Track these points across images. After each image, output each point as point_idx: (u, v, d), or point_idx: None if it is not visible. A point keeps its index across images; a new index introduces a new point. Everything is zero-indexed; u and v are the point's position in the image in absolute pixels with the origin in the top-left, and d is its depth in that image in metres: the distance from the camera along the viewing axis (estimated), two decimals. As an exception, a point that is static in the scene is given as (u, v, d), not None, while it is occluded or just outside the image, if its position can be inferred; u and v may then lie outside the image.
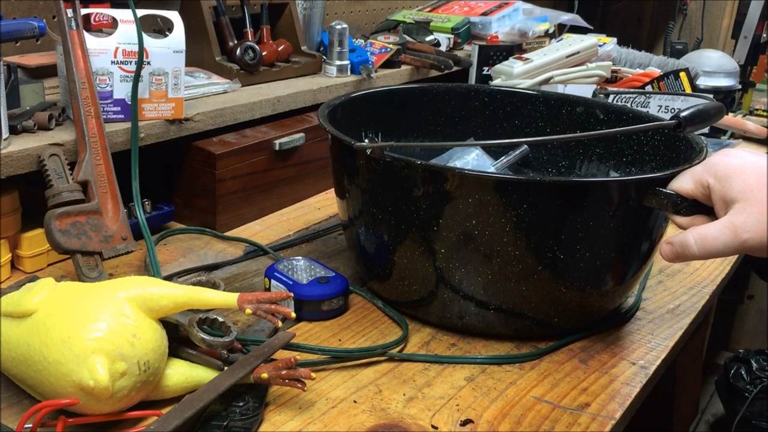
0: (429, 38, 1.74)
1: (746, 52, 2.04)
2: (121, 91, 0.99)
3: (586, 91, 1.49)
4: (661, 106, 1.48)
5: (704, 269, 1.06)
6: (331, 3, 1.72)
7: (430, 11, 1.93)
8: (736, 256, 1.09)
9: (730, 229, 0.68)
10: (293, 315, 0.72)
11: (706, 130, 1.58)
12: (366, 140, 0.76)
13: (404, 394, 0.73)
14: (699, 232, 0.70)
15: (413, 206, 0.78)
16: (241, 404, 0.67)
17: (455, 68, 1.61)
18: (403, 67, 1.57)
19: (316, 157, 1.24)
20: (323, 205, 1.23)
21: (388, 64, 1.53)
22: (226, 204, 1.09)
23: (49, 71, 1.07)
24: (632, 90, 1.56)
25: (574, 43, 1.67)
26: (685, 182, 0.73)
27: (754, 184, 0.67)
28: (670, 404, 1.52)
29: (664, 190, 0.74)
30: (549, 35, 1.91)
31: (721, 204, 0.70)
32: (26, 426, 0.62)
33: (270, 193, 1.17)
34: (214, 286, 0.77)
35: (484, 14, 1.89)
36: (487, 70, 1.67)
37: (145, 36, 0.98)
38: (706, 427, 2.19)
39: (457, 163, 1.09)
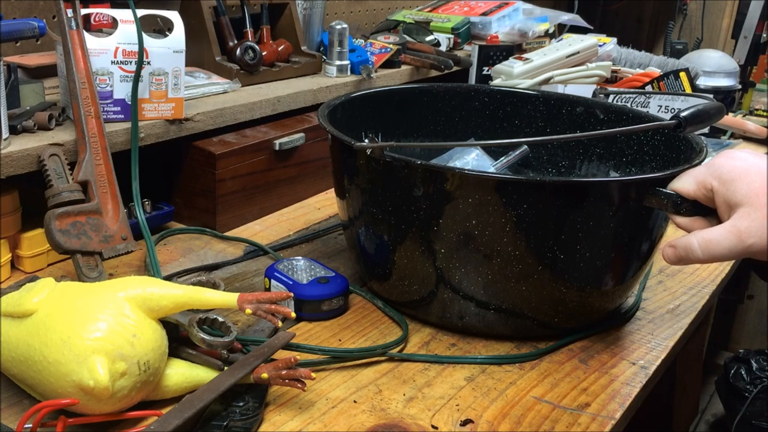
0: (429, 38, 1.74)
1: (746, 52, 2.04)
2: (121, 91, 0.99)
3: (586, 91, 1.49)
4: (661, 106, 1.48)
5: (704, 269, 1.06)
6: (331, 3, 1.72)
7: (430, 11, 1.93)
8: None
9: (734, 234, 0.67)
10: (293, 315, 0.72)
11: (706, 130, 1.59)
12: (366, 140, 0.76)
13: (404, 394, 0.73)
14: (703, 236, 0.69)
15: (413, 206, 0.78)
16: (241, 404, 0.67)
17: (455, 68, 1.61)
18: (403, 67, 1.57)
19: (316, 157, 1.24)
20: (323, 205, 1.23)
21: (388, 64, 1.53)
22: (226, 204, 1.09)
23: (49, 71, 1.07)
24: (632, 90, 1.56)
25: (574, 43, 1.67)
26: (687, 183, 0.73)
27: (759, 188, 0.67)
28: (670, 404, 1.52)
29: (664, 190, 0.74)
30: (549, 35, 1.91)
31: (725, 207, 0.69)
32: (26, 426, 0.62)
33: (270, 193, 1.17)
34: (214, 286, 0.77)
35: (484, 14, 1.89)
36: (487, 70, 1.67)
37: (145, 36, 0.98)
38: (706, 427, 2.19)
39: (457, 163, 1.09)
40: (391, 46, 1.55)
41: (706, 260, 0.70)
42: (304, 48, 1.40)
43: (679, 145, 0.91)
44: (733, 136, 1.72)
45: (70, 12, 0.93)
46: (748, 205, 0.67)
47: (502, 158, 1.10)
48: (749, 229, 0.66)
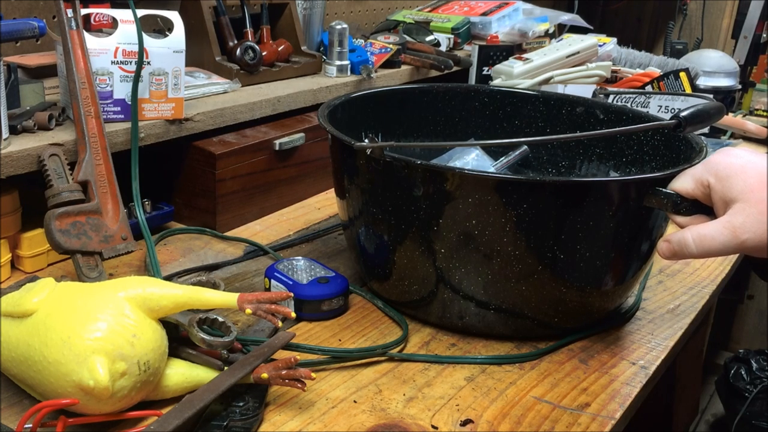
0: (429, 38, 1.74)
1: (746, 52, 2.04)
2: (121, 91, 0.99)
3: (586, 91, 1.49)
4: (661, 106, 1.48)
5: (704, 269, 1.06)
6: (331, 3, 1.72)
7: (430, 11, 1.93)
8: (736, 256, 1.09)
9: (729, 229, 0.68)
10: (293, 315, 0.72)
11: (706, 130, 1.59)
12: (366, 140, 0.76)
13: (404, 394, 0.73)
14: (698, 231, 0.70)
15: (413, 206, 0.78)
16: (241, 404, 0.67)
17: (455, 68, 1.61)
18: (403, 67, 1.57)
19: (316, 157, 1.24)
20: (323, 205, 1.23)
21: (388, 64, 1.53)
22: (226, 204, 1.09)
23: (49, 71, 1.07)
24: (632, 90, 1.56)
25: (574, 43, 1.67)
26: (685, 182, 0.73)
27: (754, 185, 0.67)
28: (670, 404, 1.52)
29: (664, 190, 0.74)
30: (549, 35, 1.91)
31: (721, 204, 0.69)
32: (26, 426, 0.62)
33: (270, 193, 1.17)
34: (214, 286, 0.77)
35: (484, 14, 1.89)
36: (487, 70, 1.67)
37: (145, 36, 0.98)
38: (706, 427, 2.19)
39: (457, 163, 1.09)
40: (391, 46, 1.55)
41: (700, 255, 0.70)
42: (304, 48, 1.40)
43: (679, 145, 0.91)
44: (733, 136, 1.72)
45: (70, 12, 0.93)
46: (743, 201, 0.67)
47: (502, 158, 1.10)
48: (744, 225, 0.67)
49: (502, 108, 1.11)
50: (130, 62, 0.98)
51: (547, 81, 1.58)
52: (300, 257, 0.94)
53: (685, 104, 1.45)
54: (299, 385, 0.68)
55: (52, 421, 0.63)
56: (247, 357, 0.70)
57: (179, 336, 0.72)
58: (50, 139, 0.92)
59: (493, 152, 1.12)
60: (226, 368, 0.70)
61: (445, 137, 1.11)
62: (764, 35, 2.05)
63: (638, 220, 0.79)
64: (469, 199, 0.75)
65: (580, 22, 2.02)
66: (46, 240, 0.85)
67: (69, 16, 0.93)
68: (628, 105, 1.39)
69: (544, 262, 0.77)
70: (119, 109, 1.00)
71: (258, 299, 0.70)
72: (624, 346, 0.85)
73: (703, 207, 0.72)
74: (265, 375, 0.68)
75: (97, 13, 1.03)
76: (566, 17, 2.01)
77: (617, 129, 1.00)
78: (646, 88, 1.60)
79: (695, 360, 1.67)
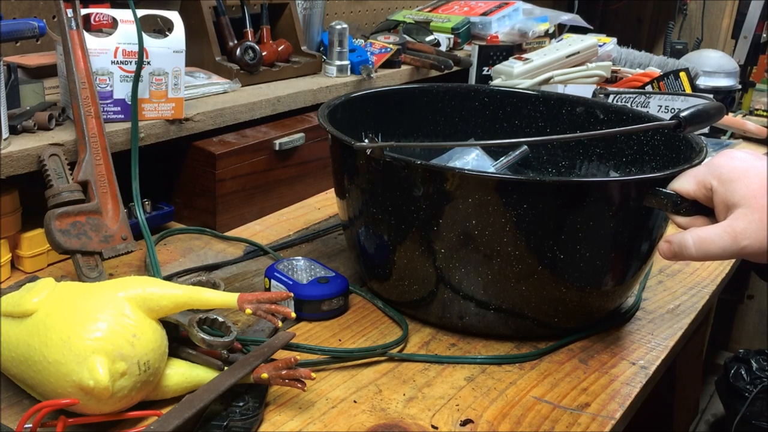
0: (429, 38, 1.74)
1: (746, 52, 2.04)
2: (121, 91, 0.99)
3: (586, 91, 1.49)
4: (661, 106, 1.48)
5: (704, 269, 1.06)
6: (331, 3, 1.72)
7: (430, 11, 1.93)
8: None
9: (729, 234, 0.67)
10: (293, 315, 0.72)
11: (706, 130, 1.59)
12: (366, 140, 0.76)
13: (404, 394, 0.73)
14: (698, 234, 0.69)
15: (413, 206, 0.78)
16: (241, 404, 0.67)
17: (455, 68, 1.61)
18: (403, 67, 1.57)
19: (316, 157, 1.24)
20: (323, 205, 1.23)
21: (388, 64, 1.53)
22: (226, 204, 1.09)
23: (49, 71, 1.07)
24: (632, 90, 1.56)
25: (574, 43, 1.67)
26: (686, 183, 0.73)
27: (757, 190, 0.67)
28: (670, 404, 1.52)
29: (664, 190, 0.74)
30: (549, 35, 1.91)
31: (723, 207, 0.69)
32: (26, 426, 0.62)
33: (270, 193, 1.17)
34: (214, 286, 0.77)
35: (484, 14, 1.89)
36: (487, 70, 1.67)
37: (145, 36, 0.98)
38: (706, 427, 2.19)
39: (457, 163, 1.09)
40: (391, 46, 1.55)
41: (700, 258, 0.70)
42: (304, 48, 1.40)
43: (679, 145, 0.91)
44: (733, 136, 1.72)
45: (70, 12, 0.93)
46: (745, 207, 0.67)
47: (502, 158, 1.10)
48: (745, 230, 0.66)
49: (502, 108, 1.11)
50: (130, 62, 0.98)
51: (547, 81, 1.58)
52: (300, 257, 0.94)
53: (685, 104, 1.45)
54: (299, 385, 0.68)
55: (52, 421, 0.63)
56: (247, 357, 0.70)
57: (179, 336, 0.72)
58: (50, 139, 0.92)
59: (493, 152, 1.12)
60: (226, 368, 0.70)
61: (445, 137, 1.11)
62: (764, 35, 2.05)
63: (638, 220, 0.79)
64: (469, 199, 0.75)
65: (580, 22, 2.02)
66: (46, 240, 0.85)
67: (69, 16, 0.93)
68: (628, 105, 1.39)
69: (544, 262, 0.77)
70: (119, 109, 1.00)
71: (258, 299, 0.70)
72: (624, 346, 0.85)
73: (703, 208, 0.72)
74: (265, 375, 0.68)
75: (97, 13, 1.03)
76: (566, 17, 2.01)
77: (617, 129, 1.00)
78: (646, 88, 1.60)
79: (695, 360, 1.67)
